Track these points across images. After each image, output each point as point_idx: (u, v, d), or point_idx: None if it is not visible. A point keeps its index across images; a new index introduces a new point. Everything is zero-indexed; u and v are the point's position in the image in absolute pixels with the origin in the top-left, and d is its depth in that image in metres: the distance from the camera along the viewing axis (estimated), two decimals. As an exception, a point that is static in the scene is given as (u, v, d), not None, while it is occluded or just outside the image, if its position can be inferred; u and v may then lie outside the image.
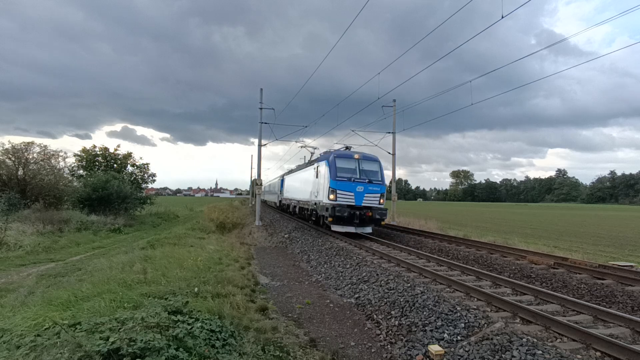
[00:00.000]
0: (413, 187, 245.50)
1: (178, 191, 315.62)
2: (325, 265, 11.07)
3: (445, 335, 5.46)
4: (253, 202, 59.25)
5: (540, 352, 4.41)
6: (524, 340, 4.72)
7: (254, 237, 18.45)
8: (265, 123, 24.16)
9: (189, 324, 4.42)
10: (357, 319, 6.83)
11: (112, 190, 25.27)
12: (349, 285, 8.76)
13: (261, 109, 23.55)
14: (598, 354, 4.50)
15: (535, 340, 4.71)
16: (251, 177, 70.94)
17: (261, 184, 24.21)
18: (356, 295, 7.99)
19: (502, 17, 7.78)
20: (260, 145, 24.14)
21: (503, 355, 4.56)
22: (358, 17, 10.75)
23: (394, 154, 26.23)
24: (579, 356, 4.42)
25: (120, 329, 3.68)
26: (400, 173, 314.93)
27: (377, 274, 9.03)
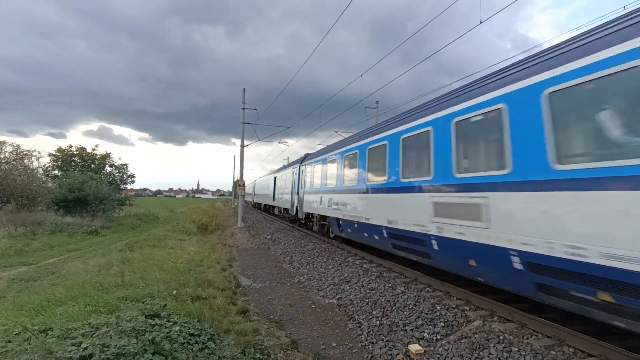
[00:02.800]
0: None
1: (158, 192, 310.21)
2: (307, 267, 11.05)
3: (425, 334, 5.52)
4: (235, 204, 58.63)
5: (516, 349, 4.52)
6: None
7: (236, 238, 18.25)
8: (248, 123, 23.99)
9: (166, 328, 4.33)
10: (338, 319, 6.83)
11: (89, 191, 24.60)
12: (331, 286, 8.76)
13: (244, 109, 23.37)
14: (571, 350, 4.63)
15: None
16: (234, 177, 70.32)
17: (244, 185, 23.98)
18: (338, 296, 8.00)
19: (481, 23, 7.94)
20: (242, 146, 23.94)
21: (481, 353, 4.64)
22: (339, 19, 10.73)
23: (376, 155, 26.37)
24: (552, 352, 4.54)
25: (93, 334, 3.57)
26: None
27: (359, 275, 9.06)
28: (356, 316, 6.78)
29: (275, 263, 12.31)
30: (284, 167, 24.78)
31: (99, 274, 8.33)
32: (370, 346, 5.58)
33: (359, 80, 16.73)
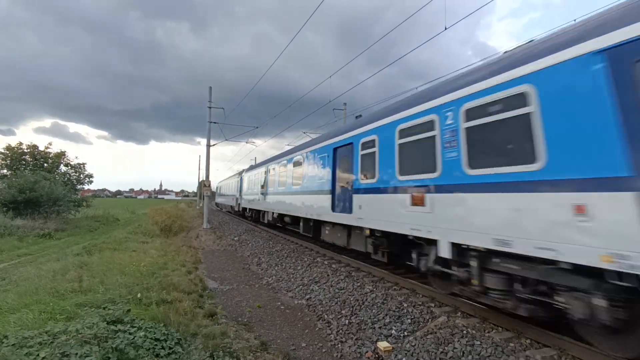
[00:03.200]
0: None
1: (118, 193, 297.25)
2: (276, 268, 10.98)
3: (393, 331, 5.65)
4: (201, 205, 57.13)
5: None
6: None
7: (201, 240, 17.82)
8: (215, 122, 23.51)
9: (130, 334, 4.16)
10: (308, 320, 6.85)
11: (42, 192, 23.13)
12: (300, 286, 8.76)
13: (210, 107, 22.88)
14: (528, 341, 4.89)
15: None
16: (199, 178, 68.72)
17: (209, 185, 23.46)
18: (307, 296, 8.01)
19: (446, 29, 8.24)
20: (209, 145, 23.43)
21: (446, 347, 4.82)
22: (308, 21, 10.81)
23: (344, 156, 26.62)
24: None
25: (51, 342, 3.37)
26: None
27: (328, 275, 9.12)
28: (325, 316, 6.82)
29: (242, 265, 12.14)
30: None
31: (53, 280, 7.87)
32: (339, 345, 5.64)
33: (328, 81, 16.82)
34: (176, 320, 5.55)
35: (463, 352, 4.64)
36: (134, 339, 3.98)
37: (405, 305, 6.45)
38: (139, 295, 6.34)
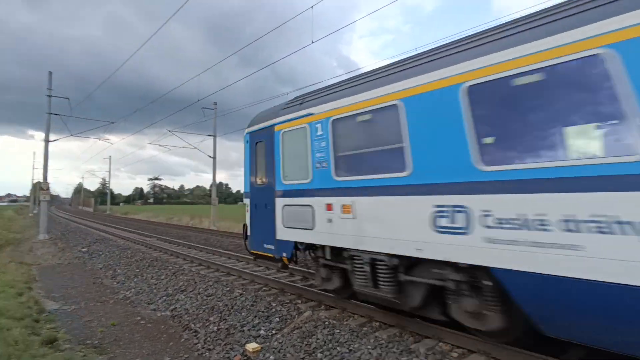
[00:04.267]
0: (234, 191, 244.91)
1: None
2: (135, 279, 10.01)
3: (262, 331, 5.81)
4: (35, 211, 47.70)
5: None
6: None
7: (36, 254, 14.96)
8: (56, 114, 20.01)
9: None
10: (172, 332, 6.47)
11: None
12: (164, 297, 8.20)
13: (50, 96, 19.39)
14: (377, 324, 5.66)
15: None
16: (33, 179, 57.43)
17: (48, 188, 19.83)
18: (172, 307, 7.55)
19: (312, 42, 8.89)
20: (47, 141, 19.80)
21: (310, 340, 5.21)
22: (171, 11, 10.26)
23: (214, 158, 25.89)
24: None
25: None
26: (221, 177, 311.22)
27: (195, 282, 8.77)
28: (192, 325, 6.57)
29: (93, 279, 10.68)
30: None
31: None
32: (207, 353, 5.52)
33: (196, 78, 16.15)
34: (5, 353, 4.61)
35: (324, 341, 5.09)
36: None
37: (274, 304, 6.69)
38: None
